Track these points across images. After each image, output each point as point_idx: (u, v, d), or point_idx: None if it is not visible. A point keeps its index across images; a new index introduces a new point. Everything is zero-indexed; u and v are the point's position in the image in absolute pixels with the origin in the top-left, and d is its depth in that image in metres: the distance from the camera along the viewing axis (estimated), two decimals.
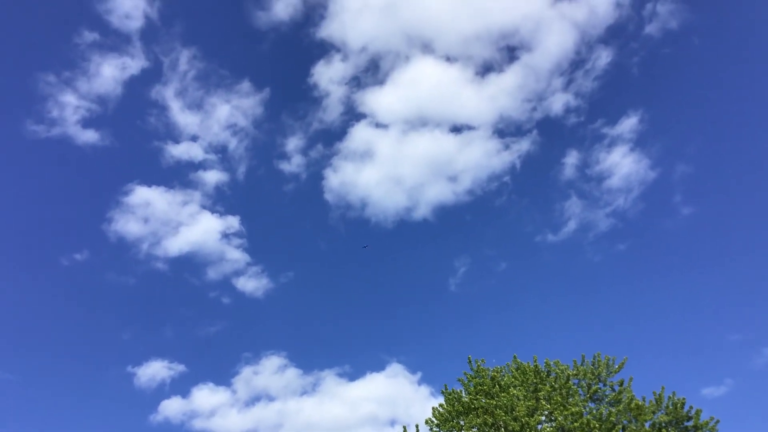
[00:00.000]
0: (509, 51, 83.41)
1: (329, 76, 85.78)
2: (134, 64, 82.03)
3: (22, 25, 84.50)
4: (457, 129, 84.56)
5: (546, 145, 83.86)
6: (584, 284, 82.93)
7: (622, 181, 79.17)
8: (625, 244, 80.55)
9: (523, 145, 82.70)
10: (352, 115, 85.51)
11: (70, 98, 78.96)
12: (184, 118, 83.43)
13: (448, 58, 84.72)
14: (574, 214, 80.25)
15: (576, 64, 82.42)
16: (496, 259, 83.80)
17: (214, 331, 79.20)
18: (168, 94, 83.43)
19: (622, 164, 79.54)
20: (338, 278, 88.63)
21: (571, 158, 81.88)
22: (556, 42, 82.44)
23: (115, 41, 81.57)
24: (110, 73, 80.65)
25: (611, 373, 30.67)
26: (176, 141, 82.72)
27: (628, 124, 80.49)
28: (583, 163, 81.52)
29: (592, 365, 31.09)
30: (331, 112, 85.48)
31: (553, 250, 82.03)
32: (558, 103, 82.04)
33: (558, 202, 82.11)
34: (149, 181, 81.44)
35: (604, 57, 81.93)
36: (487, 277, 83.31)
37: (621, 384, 30.08)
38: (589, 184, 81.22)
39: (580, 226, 79.94)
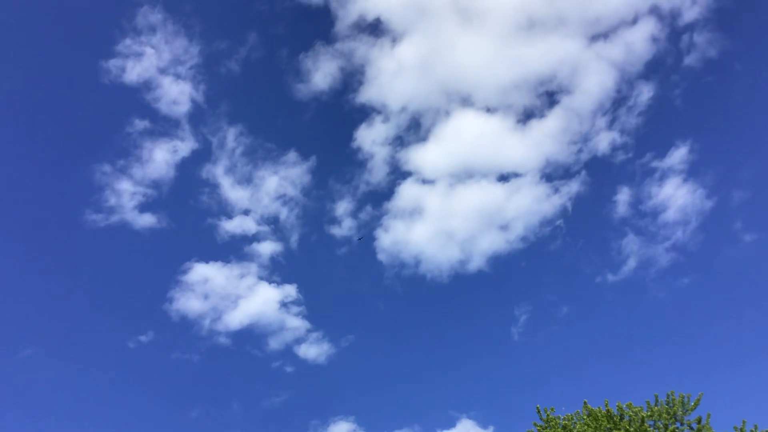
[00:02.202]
0: (549, 96, 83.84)
1: (372, 138, 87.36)
2: (184, 146, 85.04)
3: (77, 121, 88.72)
4: (504, 177, 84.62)
5: (596, 185, 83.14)
6: (650, 322, 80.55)
7: (678, 214, 77.66)
8: (688, 278, 78.37)
9: (573, 187, 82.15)
10: (398, 174, 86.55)
11: (126, 185, 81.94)
12: (234, 193, 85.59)
13: (488, 109, 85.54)
14: (633, 252, 78.72)
15: (618, 102, 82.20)
16: (558, 304, 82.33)
17: (280, 401, 79.15)
18: (218, 171, 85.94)
19: (676, 196, 78.22)
20: (399, 337, 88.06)
21: (623, 195, 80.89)
22: (595, 82, 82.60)
23: (164, 126, 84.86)
24: (162, 157, 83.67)
25: (687, 411, 29.59)
26: (229, 216, 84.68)
27: (678, 155, 79.41)
28: (636, 199, 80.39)
29: (667, 404, 30.03)
30: (377, 173, 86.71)
31: (615, 290, 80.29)
32: (604, 142, 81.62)
33: (615, 241, 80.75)
34: (206, 258, 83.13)
35: (645, 92, 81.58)
36: (549, 323, 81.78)
37: (699, 421, 29.01)
38: (644, 220, 79.88)
39: (640, 264, 78.28)
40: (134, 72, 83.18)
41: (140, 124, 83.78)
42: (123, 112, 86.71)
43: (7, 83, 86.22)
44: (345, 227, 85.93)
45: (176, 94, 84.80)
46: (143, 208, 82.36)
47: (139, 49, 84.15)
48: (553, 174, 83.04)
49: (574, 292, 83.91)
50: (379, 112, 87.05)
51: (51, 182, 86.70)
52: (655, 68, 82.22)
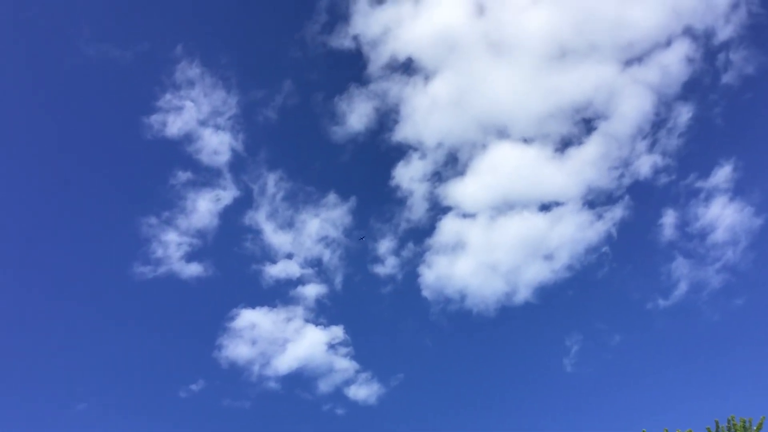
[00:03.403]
0: (585, 123, 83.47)
1: (410, 175, 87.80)
2: (226, 194, 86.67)
3: (122, 176, 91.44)
4: (545, 207, 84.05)
5: (640, 209, 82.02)
6: (706, 346, 78.38)
7: (727, 233, 76.03)
8: (742, 299, 76.27)
9: (617, 213, 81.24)
10: (438, 209, 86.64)
11: (171, 236, 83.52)
12: (277, 238, 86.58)
13: (525, 140, 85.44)
14: (683, 275, 77.13)
15: (657, 124, 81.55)
16: (609, 333, 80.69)
17: None
18: (260, 218, 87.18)
19: (723, 216, 76.66)
20: (449, 373, 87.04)
21: (669, 218, 79.61)
22: (632, 106, 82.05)
23: (206, 176, 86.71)
24: (205, 206, 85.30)
25: None
26: (273, 261, 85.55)
27: (722, 174, 78.09)
28: (682, 222, 79.04)
29: (728, 430, 29.17)
30: (417, 209, 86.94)
31: (667, 315, 78.49)
32: (645, 165, 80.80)
33: (663, 265, 79.20)
34: (253, 303, 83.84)
35: (684, 113, 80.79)
36: (602, 353, 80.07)
37: None
38: (692, 242, 78.39)
39: (691, 287, 76.58)
40: (175, 126, 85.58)
41: (183, 175, 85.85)
42: (166, 164, 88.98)
43: (56, 144, 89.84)
44: (388, 265, 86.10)
45: (216, 145, 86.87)
46: (189, 257, 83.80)
47: (179, 103, 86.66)
48: (595, 201, 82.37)
49: (625, 319, 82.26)
50: (415, 150, 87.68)
51: (99, 238, 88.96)
52: (692, 88, 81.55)
